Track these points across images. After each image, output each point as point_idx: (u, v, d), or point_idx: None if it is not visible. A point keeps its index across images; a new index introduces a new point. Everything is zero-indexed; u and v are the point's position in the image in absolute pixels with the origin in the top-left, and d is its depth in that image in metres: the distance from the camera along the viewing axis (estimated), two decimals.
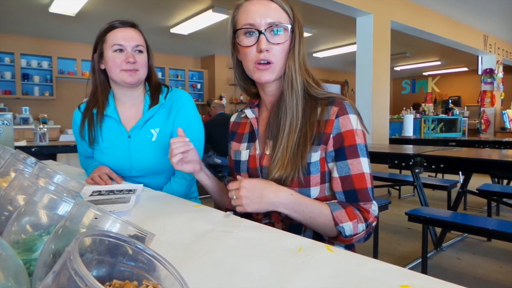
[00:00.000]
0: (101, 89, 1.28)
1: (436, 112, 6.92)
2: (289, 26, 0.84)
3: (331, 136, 0.83)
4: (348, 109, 0.84)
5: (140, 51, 1.23)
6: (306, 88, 0.87)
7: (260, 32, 0.82)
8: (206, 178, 1.01)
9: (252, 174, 0.93)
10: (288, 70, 0.86)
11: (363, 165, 0.82)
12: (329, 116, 0.83)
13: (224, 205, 1.05)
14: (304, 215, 0.79)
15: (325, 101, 0.86)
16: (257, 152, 0.93)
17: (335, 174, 0.83)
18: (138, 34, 1.23)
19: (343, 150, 0.82)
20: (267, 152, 0.90)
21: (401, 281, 0.47)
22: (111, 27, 1.21)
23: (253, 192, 0.77)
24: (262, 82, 0.88)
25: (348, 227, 0.77)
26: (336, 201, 0.83)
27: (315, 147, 0.83)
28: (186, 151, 0.93)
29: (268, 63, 0.84)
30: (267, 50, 0.83)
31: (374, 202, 0.83)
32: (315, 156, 0.83)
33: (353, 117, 0.83)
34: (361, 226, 0.79)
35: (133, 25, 1.24)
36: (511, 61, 7.83)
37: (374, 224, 0.81)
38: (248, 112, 0.97)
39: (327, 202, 0.82)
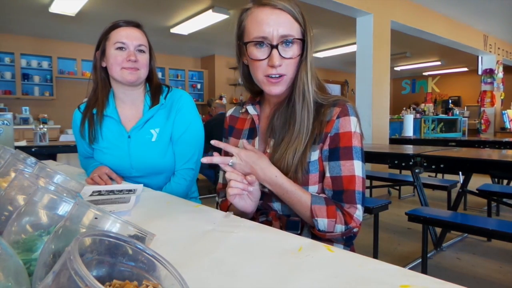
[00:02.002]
0: (102, 87, 1.28)
1: (436, 112, 6.92)
2: (302, 38, 0.83)
3: (329, 135, 0.83)
4: (350, 111, 0.84)
5: (142, 51, 1.23)
6: (314, 96, 0.87)
7: (272, 46, 0.80)
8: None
9: None
10: (300, 82, 0.85)
11: (356, 168, 0.82)
12: (331, 117, 0.84)
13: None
14: (284, 199, 0.82)
15: (329, 104, 0.86)
16: (257, 148, 0.93)
17: (327, 174, 0.84)
18: (141, 34, 1.24)
19: (338, 151, 0.82)
20: (268, 151, 0.90)
21: (401, 281, 0.47)
22: (115, 26, 1.21)
23: (246, 163, 0.82)
24: (272, 95, 0.88)
25: (322, 222, 0.78)
26: (324, 195, 0.83)
27: (314, 146, 0.84)
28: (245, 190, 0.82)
29: (280, 75, 0.83)
30: (279, 66, 0.81)
31: (359, 207, 0.81)
32: (314, 155, 0.84)
33: (353, 120, 0.84)
34: (339, 227, 0.78)
35: (137, 25, 1.24)
36: (511, 61, 7.83)
37: (356, 230, 0.80)
38: (250, 109, 0.97)
39: (314, 194, 0.82)
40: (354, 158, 0.82)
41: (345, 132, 0.82)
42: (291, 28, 0.81)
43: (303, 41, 0.84)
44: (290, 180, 0.82)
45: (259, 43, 0.82)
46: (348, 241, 0.83)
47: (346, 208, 0.80)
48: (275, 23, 0.80)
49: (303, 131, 0.84)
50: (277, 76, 0.83)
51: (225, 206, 0.98)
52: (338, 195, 0.82)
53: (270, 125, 0.91)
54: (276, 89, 0.85)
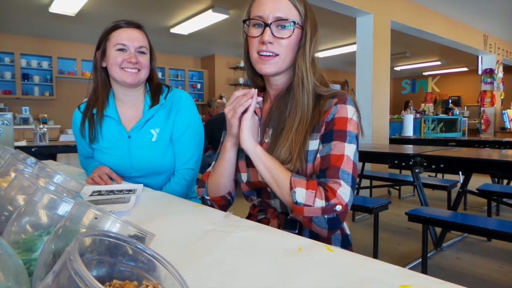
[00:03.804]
0: (102, 87, 1.28)
1: (436, 112, 6.91)
2: (297, 22, 0.85)
3: (325, 121, 0.83)
4: (348, 100, 0.85)
5: (143, 53, 1.23)
6: (314, 88, 0.88)
7: (266, 25, 0.83)
8: (233, 154, 0.92)
9: (250, 162, 0.92)
10: (298, 69, 0.86)
11: (347, 149, 0.79)
12: (329, 106, 0.85)
13: (220, 191, 0.98)
14: (264, 170, 0.81)
15: (328, 96, 0.87)
16: (258, 139, 0.93)
17: (318, 155, 0.82)
18: (142, 36, 1.24)
19: (331, 133, 0.82)
20: (266, 140, 0.91)
21: (401, 281, 0.47)
22: (116, 26, 1.21)
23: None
24: (263, 74, 0.89)
25: (300, 192, 0.75)
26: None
27: (314, 134, 0.84)
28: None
29: (272, 55, 0.85)
30: (270, 43, 0.84)
31: (343, 184, 0.76)
32: (313, 145, 0.83)
33: (350, 108, 0.84)
34: (319, 202, 0.74)
35: (138, 26, 1.25)
36: (511, 61, 7.83)
37: (339, 208, 0.74)
38: None
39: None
40: (346, 141, 0.80)
41: (341, 117, 0.82)
42: (288, 13, 0.84)
43: (301, 29, 0.86)
44: (271, 157, 0.82)
45: (256, 23, 0.86)
46: (333, 226, 0.76)
47: (329, 184, 0.76)
48: (272, 6, 0.84)
49: (302, 118, 0.84)
50: (269, 54, 0.85)
51: (206, 175, 0.99)
52: (323, 172, 0.78)
53: (268, 116, 0.92)
54: (266, 68, 0.86)
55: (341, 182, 0.76)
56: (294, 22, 0.84)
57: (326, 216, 0.74)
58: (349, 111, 0.83)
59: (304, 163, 0.82)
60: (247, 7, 0.90)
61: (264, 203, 0.94)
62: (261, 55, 0.86)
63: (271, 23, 0.84)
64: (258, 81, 0.98)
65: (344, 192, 0.75)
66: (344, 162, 0.78)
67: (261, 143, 0.92)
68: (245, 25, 0.89)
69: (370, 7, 4.23)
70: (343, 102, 0.84)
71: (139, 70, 1.22)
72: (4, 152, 0.76)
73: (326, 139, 0.82)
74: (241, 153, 0.95)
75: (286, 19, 0.84)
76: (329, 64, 9.52)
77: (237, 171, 0.96)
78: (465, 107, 9.45)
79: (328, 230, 0.76)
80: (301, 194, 0.75)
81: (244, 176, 0.95)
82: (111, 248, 0.32)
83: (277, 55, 0.85)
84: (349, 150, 0.79)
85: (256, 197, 0.96)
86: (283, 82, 0.92)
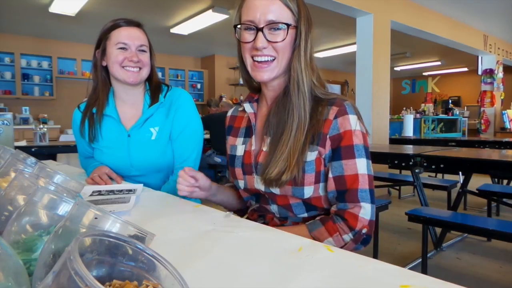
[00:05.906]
0: (102, 86, 1.28)
1: (436, 112, 6.92)
2: (291, 24, 0.82)
3: (328, 136, 0.81)
4: (348, 109, 0.82)
5: (144, 51, 1.23)
6: (312, 88, 0.86)
7: (258, 29, 0.81)
8: (215, 199, 1.00)
9: (246, 170, 0.92)
10: (293, 72, 0.84)
11: (359, 166, 0.80)
12: (327, 116, 0.82)
13: (235, 207, 1.06)
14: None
15: (326, 102, 0.84)
16: (253, 148, 0.92)
17: (330, 175, 0.82)
18: (142, 34, 1.24)
19: (339, 151, 0.81)
20: (264, 149, 0.88)
21: (401, 281, 0.47)
22: (116, 25, 1.21)
23: None
24: (260, 81, 0.87)
25: (330, 243, 0.77)
26: (318, 218, 0.83)
27: (313, 146, 0.82)
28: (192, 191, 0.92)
29: (268, 60, 0.83)
30: (264, 48, 0.82)
31: (363, 205, 0.78)
32: (311, 156, 0.82)
33: (352, 118, 0.82)
34: (347, 237, 0.77)
35: (138, 25, 1.25)
36: (511, 61, 7.83)
37: (364, 231, 0.78)
38: (247, 106, 0.96)
39: (308, 222, 0.82)
40: (356, 157, 0.80)
41: (346, 131, 0.81)
42: (280, 14, 0.81)
43: (295, 29, 0.84)
44: (290, 227, 0.83)
45: (248, 27, 0.83)
46: (365, 243, 0.80)
47: (349, 209, 0.78)
48: (263, 8, 0.80)
49: (300, 122, 0.82)
50: (264, 60, 0.83)
51: None
52: (341, 195, 0.80)
53: (266, 122, 0.89)
54: (263, 76, 0.84)
55: (361, 204, 0.78)
56: (288, 25, 0.81)
57: (359, 243, 0.79)
58: (352, 122, 0.81)
59: (300, 172, 0.81)
60: (237, 10, 0.87)
61: (262, 209, 0.94)
62: (255, 60, 0.84)
63: (263, 27, 0.80)
64: (253, 83, 0.97)
65: (365, 212, 0.78)
66: (360, 182, 0.79)
67: (258, 152, 0.91)
68: (236, 28, 0.86)
69: (370, 7, 4.23)
70: (344, 113, 0.81)
71: (140, 68, 1.22)
72: (4, 152, 0.76)
73: (335, 157, 0.81)
74: (237, 160, 0.95)
75: (279, 22, 0.81)
76: (329, 64, 9.53)
77: (234, 177, 0.96)
78: (465, 107, 9.46)
79: (364, 246, 0.81)
80: (331, 243, 0.77)
81: (241, 183, 0.94)
82: (111, 248, 0.32)
83: (274, 58, 0.83)
84: (362, 165, 0.80)
85: (255, 202, 0.96)
86: (280, 83, 0.89)
